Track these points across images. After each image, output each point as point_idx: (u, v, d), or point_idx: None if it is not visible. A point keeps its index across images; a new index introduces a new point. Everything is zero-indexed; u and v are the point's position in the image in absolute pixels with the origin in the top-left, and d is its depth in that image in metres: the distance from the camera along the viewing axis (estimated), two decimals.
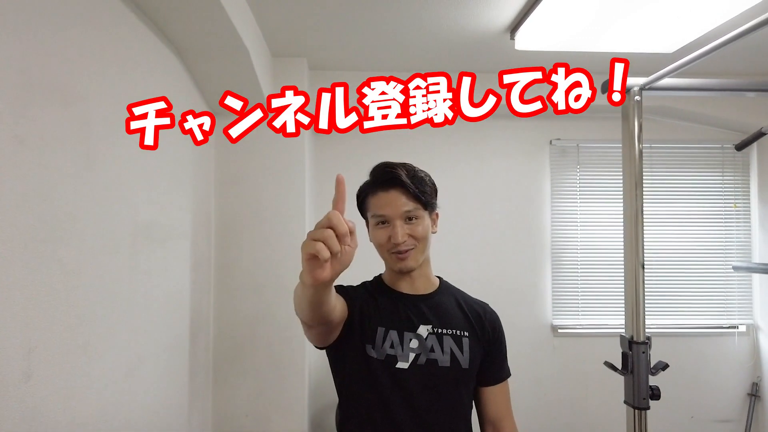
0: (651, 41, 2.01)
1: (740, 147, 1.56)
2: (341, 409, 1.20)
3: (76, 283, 1.08)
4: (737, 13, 1.72)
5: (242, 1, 1.74)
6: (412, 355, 1.09)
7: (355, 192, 1.18)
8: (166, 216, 1.65)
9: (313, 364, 2.47)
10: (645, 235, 1.55)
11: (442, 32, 2.10)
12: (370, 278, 1.28)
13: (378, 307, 1.14)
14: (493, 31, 2.07)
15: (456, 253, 2.80)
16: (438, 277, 1.28)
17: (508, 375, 1.26)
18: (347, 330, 1.10)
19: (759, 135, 1.37)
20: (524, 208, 2.88)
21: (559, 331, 2.84)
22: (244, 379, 2.24)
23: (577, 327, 2.85)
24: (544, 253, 2.87)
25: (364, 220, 1.21)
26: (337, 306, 1.01)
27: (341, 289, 1.15)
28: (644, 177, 1.55)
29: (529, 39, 2.01)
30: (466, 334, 1.15)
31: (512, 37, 2.05)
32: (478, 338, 1.17)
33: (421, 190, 1.11)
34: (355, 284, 1.24)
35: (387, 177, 1.11)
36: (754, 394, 2.85)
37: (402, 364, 1.07)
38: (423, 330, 1.11)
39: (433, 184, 1.18)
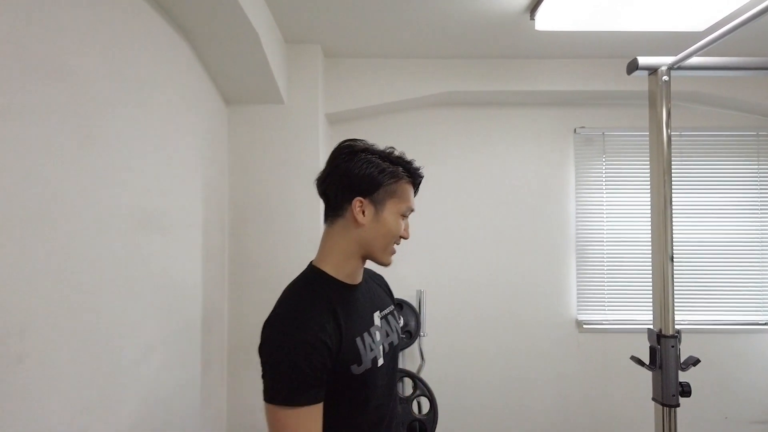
0: (679, 19, 1.89)
1: None
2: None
3: (66, 266, 1.05)
4: None
5: None
6: (382, 347, 1.07)
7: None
8: (175, 203, 1.63)
9: None
10: (675, 228, 1.48)
11: (459, 15, 2.03)
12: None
13: (347, 316, 1.01)
14: (512, 12, 1.98)
15: (476, 246, 2.72)
16: None
17: None
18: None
19: None
20: (548, 199, 2.79)
21: (585, 326, 2.75)
22: (258, 373, 2.21)
23: (603, 322, 2.76)
24: (569, 245, 2.78)
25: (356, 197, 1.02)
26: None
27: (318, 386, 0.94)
28: (674, 167, 1.46)
29: (550, 19, 1.91)
30: (392, 306, 1.20)
31: (532, 17, 1.96)
32: (394, 304, 1.24)
33: None
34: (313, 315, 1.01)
35: (419, 181, 1.11)
36: None
37: (381, 360, 1.05)
38: (377, 319, 1.10)
39: None
